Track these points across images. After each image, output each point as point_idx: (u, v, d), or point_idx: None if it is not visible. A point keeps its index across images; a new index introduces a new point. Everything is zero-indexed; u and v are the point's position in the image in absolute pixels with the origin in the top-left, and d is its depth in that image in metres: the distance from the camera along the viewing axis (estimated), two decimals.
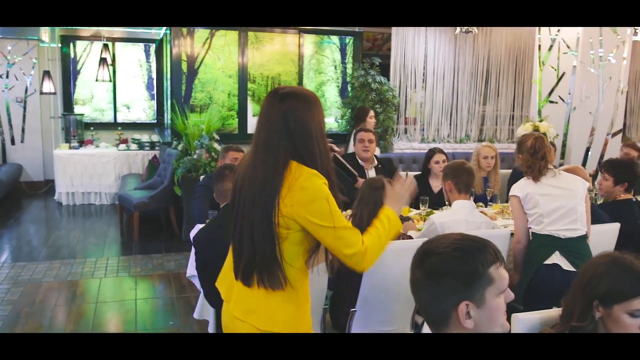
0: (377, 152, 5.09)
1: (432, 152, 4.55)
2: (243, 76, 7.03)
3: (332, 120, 7.52)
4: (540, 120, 4.70)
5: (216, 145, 5.75)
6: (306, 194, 1.63)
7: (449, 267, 1.24)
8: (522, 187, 2.96)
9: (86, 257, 5.32)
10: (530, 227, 2.97)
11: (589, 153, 6.01)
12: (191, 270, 3.38)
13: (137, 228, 5.91)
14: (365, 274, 2.58)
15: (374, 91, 6.35)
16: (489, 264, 1.24)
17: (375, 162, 4.53)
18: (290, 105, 1.65)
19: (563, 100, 5.90)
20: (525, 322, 1.81)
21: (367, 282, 2.61)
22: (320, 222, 1.64)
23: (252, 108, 7.19)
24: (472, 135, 7.33)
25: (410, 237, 2.91)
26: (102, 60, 7.53)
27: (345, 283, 2.67)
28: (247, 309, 1.73)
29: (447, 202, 3.54)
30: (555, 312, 1.83)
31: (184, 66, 6.79)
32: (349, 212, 2.85)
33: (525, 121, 4.74)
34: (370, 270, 2.59)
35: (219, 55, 6.94)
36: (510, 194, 3.03)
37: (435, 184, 4.46)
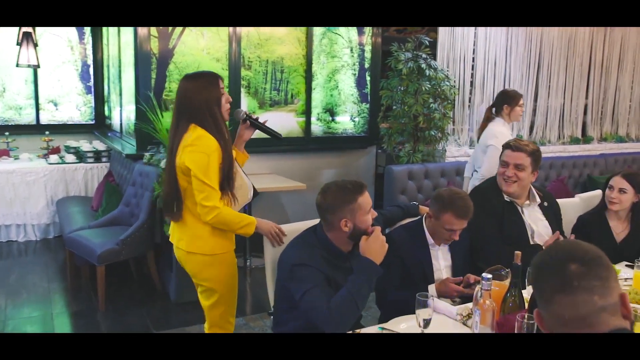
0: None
1: (612, 176, 2.90)
2: (235, 60, 5.08)
3: (348, 119, 5.72)
4: None
5: None
6: (191, 147, 2.24)
7: None
8: None
9: None
10: None
11: None
12: None
13: (103, 291, 3.80)
14: None
15: (428, 80, 4.65)
16: None
17: (537, 198, 2.83)
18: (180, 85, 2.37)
19: None
20: None
21: None
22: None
23: (246, 103, 5.24)
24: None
25: None
26: (26, 37, 5.19)
27: None
28: (177, 238, 2.41)
29: None
30: None
31: (154, 44, 4.72)
32: None
33: None
34: None
35: (203, 31, 4.94)
36: None
37: (618, 227, 2.85)
